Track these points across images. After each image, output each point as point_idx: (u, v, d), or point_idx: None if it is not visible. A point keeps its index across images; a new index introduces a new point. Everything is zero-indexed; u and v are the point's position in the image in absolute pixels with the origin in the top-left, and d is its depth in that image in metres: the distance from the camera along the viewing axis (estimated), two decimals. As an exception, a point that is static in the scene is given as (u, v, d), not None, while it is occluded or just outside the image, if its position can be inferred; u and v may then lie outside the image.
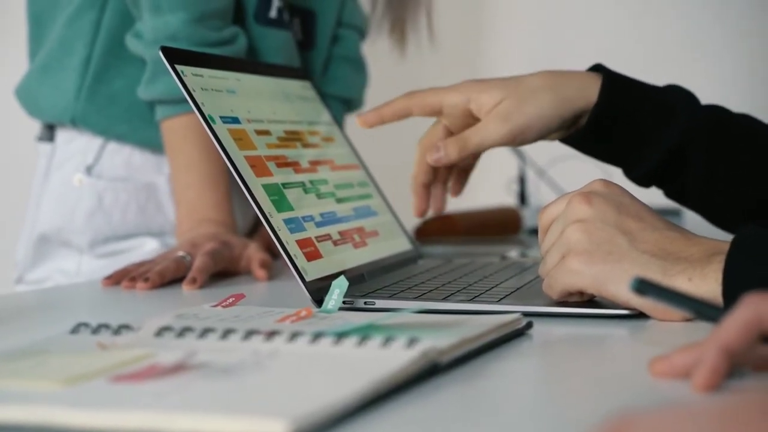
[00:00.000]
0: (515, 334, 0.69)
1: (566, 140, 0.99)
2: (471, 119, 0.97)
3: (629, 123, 0.95)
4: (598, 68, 0.97)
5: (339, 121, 1.35)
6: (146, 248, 1.25)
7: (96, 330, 0.65)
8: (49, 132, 1.29)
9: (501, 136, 0.94)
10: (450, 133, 0.99)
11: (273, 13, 1.25)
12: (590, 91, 0.94)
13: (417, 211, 1.03)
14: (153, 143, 1.24)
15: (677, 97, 0.96)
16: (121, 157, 1.26)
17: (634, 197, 0.76)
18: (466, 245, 1.37)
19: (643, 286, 0.56)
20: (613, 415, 0.36)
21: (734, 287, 0.68)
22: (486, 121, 0.95)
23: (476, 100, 0.95)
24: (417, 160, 1.01)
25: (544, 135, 0.96)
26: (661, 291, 0.56)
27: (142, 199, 1.26)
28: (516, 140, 0.95)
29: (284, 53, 1.26)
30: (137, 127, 1.24)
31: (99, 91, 1.23)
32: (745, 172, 0.94)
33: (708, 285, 0.69)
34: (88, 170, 1.25)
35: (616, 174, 1.66)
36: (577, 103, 0.94)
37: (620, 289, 0.72)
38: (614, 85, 0.94)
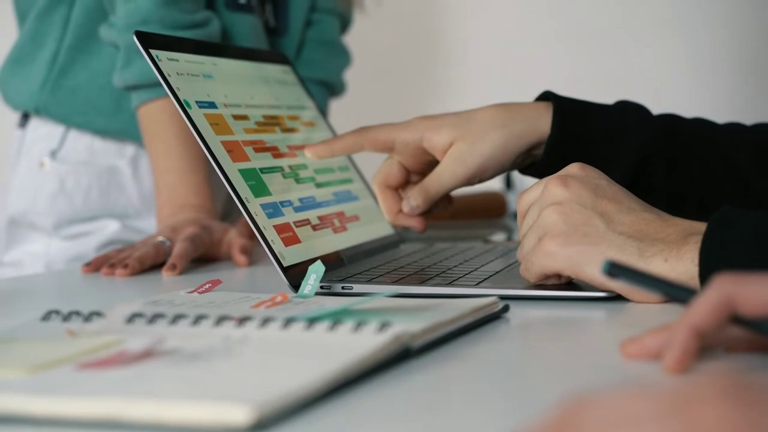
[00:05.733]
0: (491, 318, 0.69)
1: (525, 171, 0.98)
2: (424, 155, 0.97)
3: (585, 150, 0.94)
4: (546, 96, 0.97)
5: (322, 106, 1.35)
6: (108, 230, 1.27)
7: (67, 317, 0.64)
8: (25, 119, 1.33)
9: (458, 180, 0.95)
10: (404, 168, 0.99)
11: None
12: (542, 123, 0.94)
13: (420, 228, 1.00)
14: (111, 132, 1.28)
15: (629, 114, 0.96)
16: (83, 142, 1.29)
17: (611, 180, 0.76)
18: (451, 230, 1.36)
19: (614, 269, 0.56)
20: (567, 398, 0.36)
21: (710, 267, 0.67)
22: (442, 166, 0.95)
23: (429, 139, 0.95)
24: (381, 200, 1.00)
25: (499, 172, 0.96)
26: (632, 273, 0.56)
27: (104, 182, 1.29)
28: (473, 181, 0.96)
29: (253, 38, 1.28)
30: (94, 120, 1.28)
31: (62, 84, 1.27)
32: (705, 175, 0.95)
33: (684, 266, 0.69)
34: (53, 155, 1.29)
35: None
36: (529, 137, 0.94)
37: (597, 271, 0.71)
38: (565, 114, 0.94)
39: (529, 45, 2.22)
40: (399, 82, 2.25)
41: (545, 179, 0.77)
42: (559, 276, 0.76)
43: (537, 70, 2.20)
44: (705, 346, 0.53)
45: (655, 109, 0.99)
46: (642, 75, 2.14)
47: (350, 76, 1.46)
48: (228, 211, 1.30)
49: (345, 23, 1.44)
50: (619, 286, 0.72)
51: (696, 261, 0.69)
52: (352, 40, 1.49)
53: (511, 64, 2.22)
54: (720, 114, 1.11)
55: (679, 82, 2.12)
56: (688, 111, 1.04)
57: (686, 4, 2.14)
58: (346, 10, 1.42)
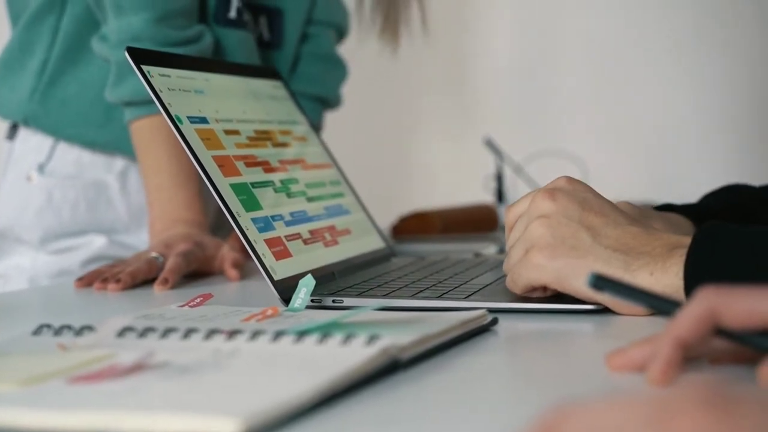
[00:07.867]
0: (480, 331, 0.69)
1: None
2: None
3: None
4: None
5: (316, 120, 1.35)
6: (94, 245, 1.27)
7: (58, 331, 0.65)
8: (13, 130, 1.33)
9: None
10: None
11: (232, 14, 1.26)
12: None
13: None
14: (101, 145, 1.28)
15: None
16: (72, 155, 1.29)
17: (598, 193, 0.77)
18: (443, 243, 1.37)
19: (600, 282, 0.57)
20: (548, 408, 0.37)
21: (694, 280, 0.68)
22: None
23: None
24: None
25: None
26: (617, 286, 0.57)
27: (92, 196, 1.28)
28: None
29: (244, 53, 1.27)
30: (85, 132, 1.27)
31: (52, 95, 1.27)
32: None
33: (669, 279, 0.70)
34: (41, 168, 1.29)
35: (591, 173, 1.67)
36: None
37: (583, 284, 0.72)
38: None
39: (532, 60, 2.23)
40: (395, 89, 2.25)
41: (533, 192, 0.78)
42: (545, 289, 0.76)
43: (543, 87, 2.21)
44: (689, 358, 0.54)
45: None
46: (651, 90, 2.15)
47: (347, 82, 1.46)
48: (218, 224, 1.30)
49: (341, 33, 1.44)
50: (605, 298, 0.73)
51: (681, 274, 0.69)
52: (347, 46, 1.49)
53: (512, 78, 2.24)
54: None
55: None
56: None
57: (693, 29, 2.15)
58: (342, 20, 1.43)
